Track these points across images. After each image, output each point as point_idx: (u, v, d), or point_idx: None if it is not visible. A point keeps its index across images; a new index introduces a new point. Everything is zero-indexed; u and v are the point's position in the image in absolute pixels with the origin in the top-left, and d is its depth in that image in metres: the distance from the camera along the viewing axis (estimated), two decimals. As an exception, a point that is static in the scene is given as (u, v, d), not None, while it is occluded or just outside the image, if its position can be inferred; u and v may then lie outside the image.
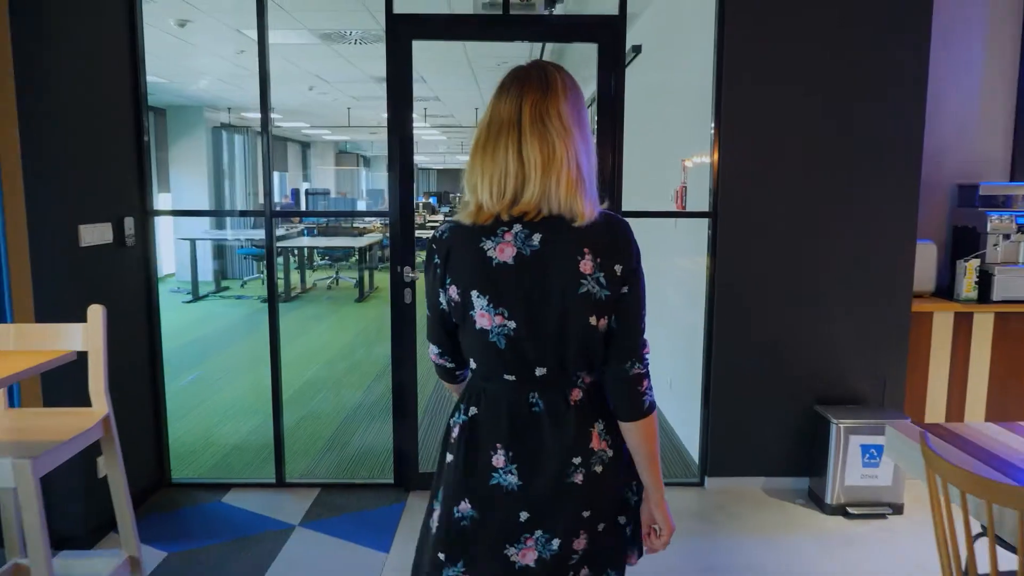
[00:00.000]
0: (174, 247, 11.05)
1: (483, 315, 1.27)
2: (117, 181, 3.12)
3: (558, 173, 1.24)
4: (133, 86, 3.20)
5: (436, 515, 1.37)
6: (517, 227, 1.26)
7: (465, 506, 1.31)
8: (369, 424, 4.47)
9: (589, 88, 7.90)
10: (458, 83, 8.65)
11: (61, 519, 2.83)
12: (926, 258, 3.52)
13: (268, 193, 3.34)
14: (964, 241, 3.67)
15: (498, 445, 1.30)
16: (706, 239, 3.40)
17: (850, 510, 3.18)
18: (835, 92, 3.22)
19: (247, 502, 3.32)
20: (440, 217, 17.19)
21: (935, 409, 3.54)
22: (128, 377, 3.20)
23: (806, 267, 3.33)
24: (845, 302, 3.35)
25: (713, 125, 3.27)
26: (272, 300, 3.46)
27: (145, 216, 3.27)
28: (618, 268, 1.26)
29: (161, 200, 11.40)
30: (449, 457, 1.36)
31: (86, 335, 2.07)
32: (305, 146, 18.85)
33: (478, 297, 1.26)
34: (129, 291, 3.22)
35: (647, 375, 1.32)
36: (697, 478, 3.54)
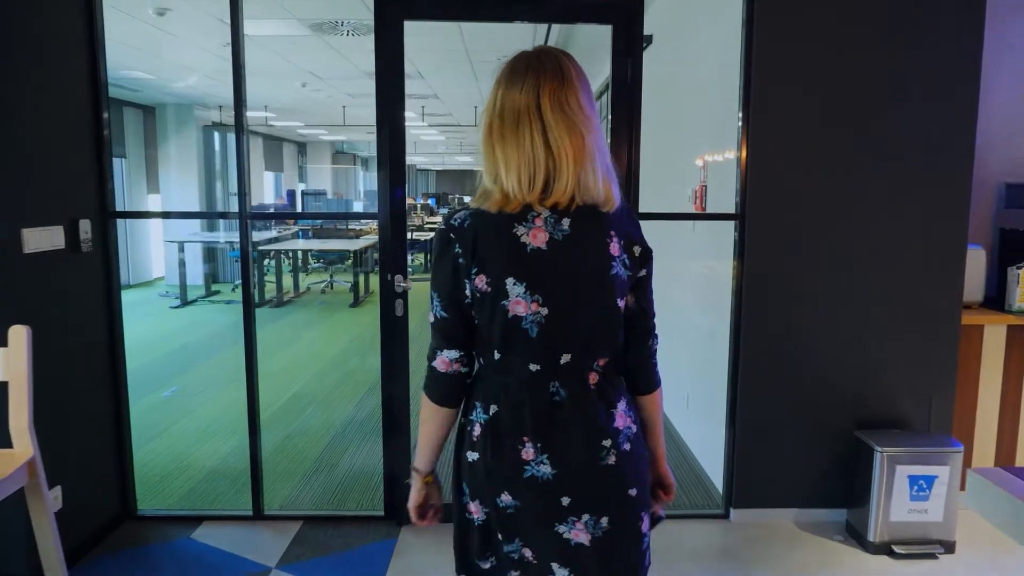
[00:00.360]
0: (164, 250, 10.72)
1: (519, 302, 1.26)
2: (71, 180, 2.77)
3: (592, 163, 1.26)
4: (92, 76, 2.84)
5: (476, 506, 1.36)
6: (546, 212, 1.26)
7: (507, 497, 1.31)
8: (360, 443, 4.12)
9: (597, 80, 7.54)
10: (457, 79, 8.30)
11: (2, 562, 2.48)
12: (974, 265, 3.17)
13: (243, 193, 2.99)
14: (1014, 246, 3.33)
15: (524, 439, 1.29)
16: (731, 243, 3.06)
17: (896, 548, 2.83)
18: (878, 85, 2.87)
19: (220, 538, 2.97)
20: (438, 219, 16.83)
21: (985, 433, 3.19)
22: (86, 397, 2.85)
23: (844, 275, 2.98)
24: (888, 314, 3.00)
25: (741, 121, 2.93)
26: (248, 310, 3.10)
27: (105, 218, 2.92)
28: (636, 249, 1.32)
29: (151, 201, 11.06)
30: (472, 456, 1.33)
31: (6, 361, 1.72)
32: (301, 146, 18.52)
33: (515, 284, 1.25)
34: (86, 301, 2.87)
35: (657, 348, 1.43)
36: (721, 509, 3.19)
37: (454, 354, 1.31)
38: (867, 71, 2.87)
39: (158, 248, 10.90)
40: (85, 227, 2.78)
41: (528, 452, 1.28)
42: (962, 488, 3.00)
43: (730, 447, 3.12)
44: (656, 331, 1.41)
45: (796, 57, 2.87)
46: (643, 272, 1.34)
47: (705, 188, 3.55)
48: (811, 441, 3.08)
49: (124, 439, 3.08)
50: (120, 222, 3.05)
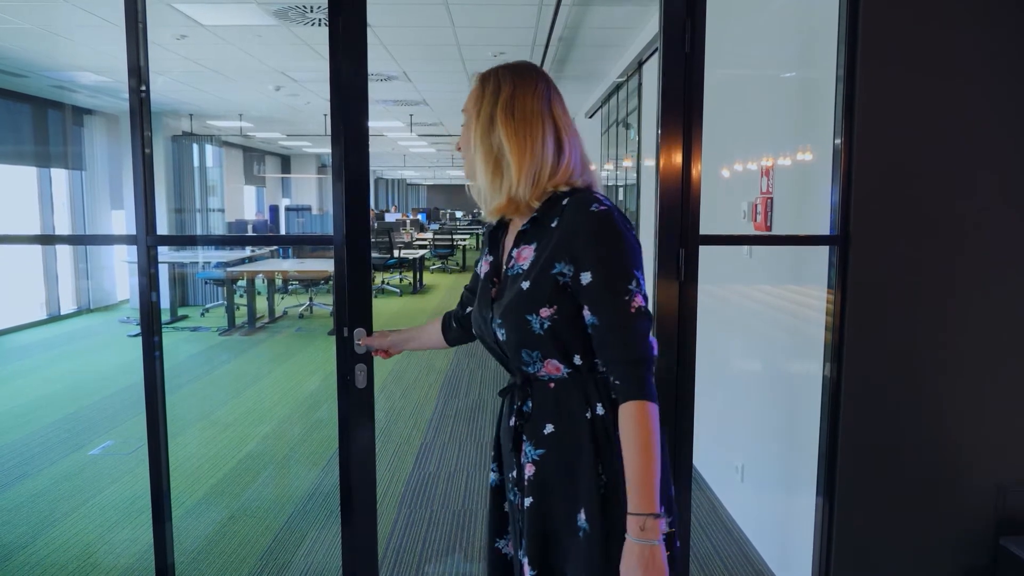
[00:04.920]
0: (128, 271, 9.83)
1: None
2: None
3: None
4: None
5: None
6: None
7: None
8: (323, 528, 3.24)
9: (603, 83, 6.73)
10: (448, 83, 7.50)
11: None
12: None
13: (148, 205, 2.13)
14: None
15: None
16: (805, 275, 2.23)
17: None
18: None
19: None
20: (429, 235, 15.94)
21: None
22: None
23: (996, 322, 2.15)
24: (1044, 376, 2.17)
25: (842, 115, 2.10)
26: (150, 369, 2.24)
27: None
28: None
29: (115, 219, 10.18)
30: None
31: None
32: (285, 159, 17.69)
33: None
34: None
35: None
36: (808, 641, 2.33)
37: None
38: None
39: (122, 268, 10.01)
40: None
41: None
42: None
43: (823, 549, 2.27)
44: None
45: (925, 28, 2.05)
46: None
47: (771, 201, 2.72)
48: (933, 546, 2.23)
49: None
50: None
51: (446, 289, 12.19)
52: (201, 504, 3.48)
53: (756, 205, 2.81)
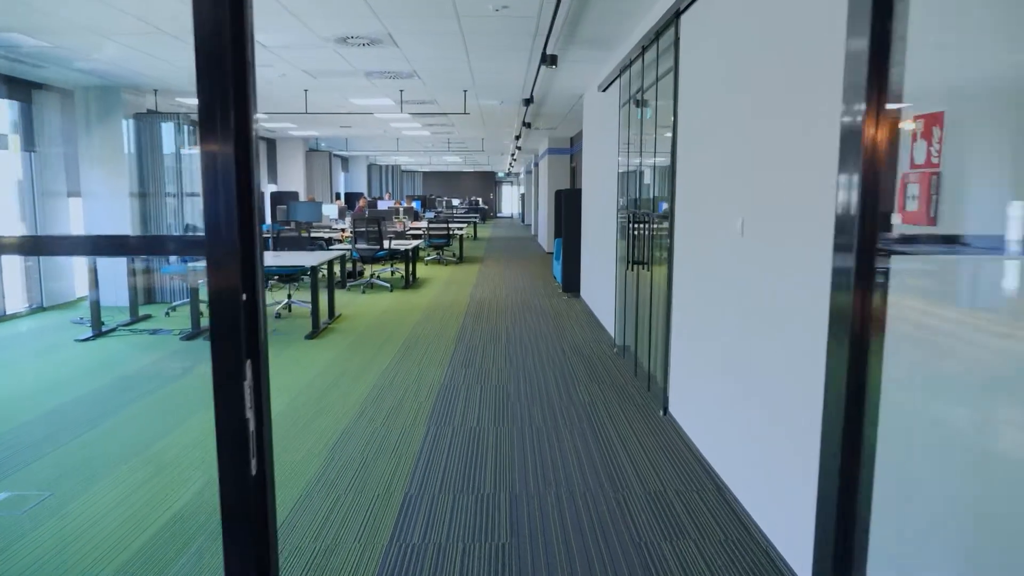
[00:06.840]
0: (86, 263, 8.86)
1: None
2: None
3: None
4: None
5: None
6: None
7: None
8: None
9: (620, 49, 5.73)
10: (441, 48, 6.50)
11: None
12: None
13: None
14: None
15: None
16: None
17: None
18: None
19: None
20: (424, 224, 14.94)
21: None
22: None
23: None
24: None
25: None
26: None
27: None
28: None
29: (72, 205, 9.18)
30: None
31: None
32: (270, 143, 16.66)
33: None
34: None
35: None
36: None
37: None
38: None
39: (80, 260, 9.02)
40: None
41: None
42: None
43: None
44: None
45: None
46: None
47: (936, 179, 1.76)
48: None
49: None
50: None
51: (442, 283, 11.21)
52: (98, 599, 2.54)
53: (906, 185, 1.85)
